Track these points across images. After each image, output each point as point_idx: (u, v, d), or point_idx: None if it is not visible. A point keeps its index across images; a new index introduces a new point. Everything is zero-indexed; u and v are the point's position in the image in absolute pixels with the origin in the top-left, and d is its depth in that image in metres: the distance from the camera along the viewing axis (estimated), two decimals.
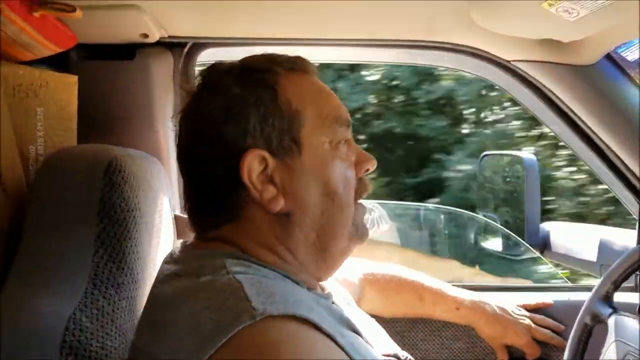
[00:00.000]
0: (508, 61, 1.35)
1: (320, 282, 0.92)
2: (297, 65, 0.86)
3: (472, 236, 2.19)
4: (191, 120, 0.84)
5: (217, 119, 0.80)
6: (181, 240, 0.91)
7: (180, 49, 1.30)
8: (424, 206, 3.11)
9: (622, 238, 1.63)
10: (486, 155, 2.07)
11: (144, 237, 0.90)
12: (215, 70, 0.86)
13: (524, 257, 1.84)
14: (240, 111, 0.80)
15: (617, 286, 1.23)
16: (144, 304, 0.86)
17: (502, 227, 1.87)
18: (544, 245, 1.78)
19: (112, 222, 0.82)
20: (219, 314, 0.64)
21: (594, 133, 1.37)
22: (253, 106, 0.80)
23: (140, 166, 0.95)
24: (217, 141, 0.79)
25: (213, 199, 0.82)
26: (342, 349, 0.68)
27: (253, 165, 0.78)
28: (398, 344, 1.04)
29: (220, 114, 0.80)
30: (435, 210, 2.80)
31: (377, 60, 1.65)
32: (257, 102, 0.80)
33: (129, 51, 1.24)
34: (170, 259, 0.84)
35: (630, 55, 1.26)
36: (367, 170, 0.91)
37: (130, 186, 0.87)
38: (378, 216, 2.04)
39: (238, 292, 0.66)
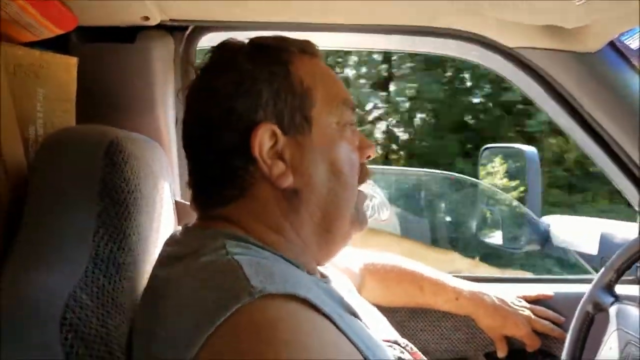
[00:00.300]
0: (511, 48, 1.35)
1: (319, 267, 0.92)
2: (307, 47, 0.88)
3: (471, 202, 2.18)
4: (200, 95, 0.85)
5: (229, 93, 0.80)
6: (171, 224, 0.91)
7: (182, 32, 1.29)
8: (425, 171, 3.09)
9: (623, 231, 1.63)
10: (487, 148, 2.07)
11: (144, 219, 0.89)
12: (226, 47, 0.87)
13: (525, 250, 1.84)
14: (252, 86, 0.80)
15: (619, 275, 1.23)
16: (142, 285, 0.86)
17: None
18: (545, 238, 1.78)
19: (113, 202, 0.81)
20: (218, 293, 0.64)
21: (596, 121, 1.37)
22: (266, 81, 0.81)
23: (141, 149, 0.94)
24: (228, 115, 0.80)
25: (220, 174, 0.82)
26: (341, 330, 0.68)
27: (264, 139, 0.79)
28: (398, 333, 1.04)
29: (232, 88, 0.80)
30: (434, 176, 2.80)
31: (380, 47, 1.65)
32: (270, 78, 0.81)
33: (129, 34, 1.24)
34: (171, 241, 0.85)
35: (634, 43, 1.25)
36: (369, 156, 0.93)
37: (130, 167, 0.87)
38: (379, 203, 2.04)
39: (237, 272, 0.66)
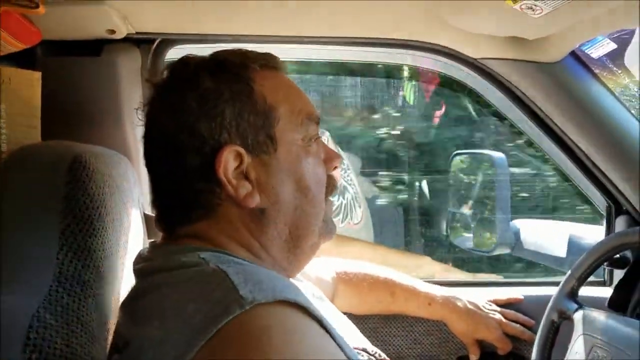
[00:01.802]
0: (475, 59, 1.36)
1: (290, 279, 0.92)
2: (269, 61, 0.86)
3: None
4: (161, 114, 0.83)
5: (191, 114, 0.78)
6: (150, 241, 0.90)
7: (149, 45, 1.28)
8: None
9: (590, 234, 1.67)
10: (457, 154, 2.09)
11: (110, 235, 0.89)
12: (187, 63, 0.84)
13: (495, 253, 1.86)
14: (215, 106, 0.79)
15: (581, 282, 1.26)
16: (111, 302, 0.85)
17: None
18: (514, 242, 1.81)
19: (76, 219, 0.80)
20: (208, 305, 0.63)
21: (561, 130, 1.40)
22: (229, 101, 0.79)
23: (106, 163, 0.94)
24: (190, 136, 0.78)
25: (185, 195, 0.80)
26: (328, 332, 0.69)
27: (229, 161, 0.78)
28: (371, 340, 1.05)
29: (194, 108, 0.79)
30: None
31: (346, 59, 1.65)
32: (232, 97, 0.79)
33: (95, 47, 1.22)
34: (140, 259, 0.83)
35: (595, 52, 1.28)
36: (335, 167, 0.92)
37: (95, 183, 0.86)
38: (352, 198, 2.05)
39: (224, 282, 0.66)
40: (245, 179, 0.80)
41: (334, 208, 2.12)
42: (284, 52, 1.42)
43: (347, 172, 2.15)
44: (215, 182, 0.78)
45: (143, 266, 0.80)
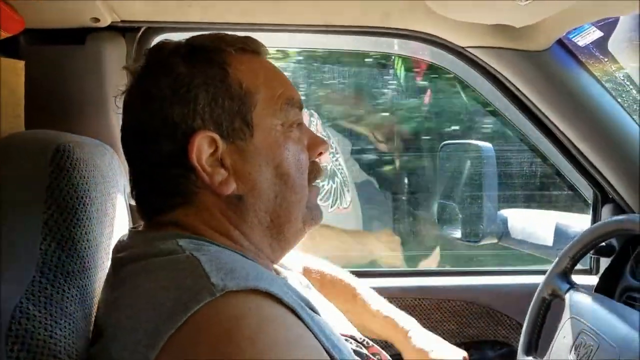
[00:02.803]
0: (463, 47, 1.36)
1: (274, 266, 0.92)
2: (248, 45, 0.84)
3: None
4: (136, 101, 0.82)
5: (164, 99, 0.77)
6: (128, 228, 0.89)
7: (133, 33, 1.27)
8: None
9: (577, 223, 1.68)
10: (445, 144, 2.10)
11: (95, 225, 0.88)
12: (161, 49, 0.83)
13: (482, 243, 1.87)
14: (188, 91, 0.77)
15: (575, 262, 1.27)
16: (95, 293, 0.84)
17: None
18: (502, 231, 1.82)
19: (60, 209, 0.79)
20: (178, 293, 0.63)
21: (547, 118, 1.41)
22: (202, 86, 0.78)
23: (90, 153, 0.93)
24: (164, 122, 0.77)
25: (162, 182, 0.79)
26: (305, 323, 0.68)
27: (202, 147, 0.77)
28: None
29: (167, 94, 0.77)
30: None
31: (333, 47, 1.65)
32: (206, 82, 0.78)
33: (79, 36, 1.21)
34: (120, 247, 0.82)
35: (581, 40, 1.29)
36: (321, 153, 0.90)
37: (79, 172, 0.85)
38: (341, 183, 2.04)
39: (196, 270, 0.65)
40: (221, 165, 0.78)
41: (323, 193, 2.12)
42: (272, 40, 1.41)
43: (335, 156, 2.15)
44: (191, 169, 0.77)
45: (123, 255, 0.79)
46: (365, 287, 1.28)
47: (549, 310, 1.29)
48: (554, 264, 1.30)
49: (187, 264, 0.67)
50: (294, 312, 0.67)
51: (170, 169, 0.78)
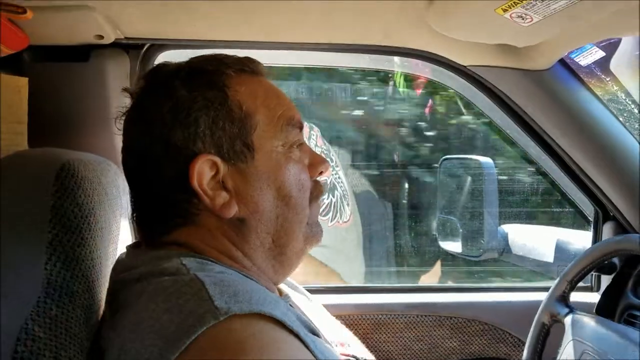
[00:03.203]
0: (465, 66, 1.37)
1: (277, 286, 0.91)
2: (247, 66, 0.84)
3: None
4: (137, 124, 0.82)
5: (165, 123, 0.77)
6: (126, 245, 0.89)
7: (137, 50, 1.27)
8: None
9: (578, 240, 1.68)
10: (445, 159, 2.10)
11: (99, 244, 0.88)
12: (161, 71, 0.83)
13: (483, 258, 1.87)
14: (188, 115, 0.77)
15: (573, 286, 1.27)
16: (99, 312, 0.84)
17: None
18: (503, 247, 1.82)
19: (64, 228, 0.79)
20: (182, 316, 0.63)
21: (549, 137, 1.41)
22: (202, 109, 0.78)
23: (94, 171, 0.93)
24: (165, 147, 0.77)
25: (163, 205, 0.80)
26: (307, 346, 0.68)
27: (203, 171, 0.77)
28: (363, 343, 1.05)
29: (168, 117, 0.77)
30: None
31: (336, 64, 1.66)
32: (206, 105, 0.78)
33: (83, 53, 1.22)
34: (121, 267, 0.82)
35: (583, 60, 1.29)
36: (321, 173, 0.90)
37: (84, 191, 0.85)
38: (341, 197, 2.02)
39: (200, 293, 0.65)
40: (223, 188, 0.78)
41: (323, 207, 2.11)
42: (274, 58, 1.42)
43: (335, 169, 2.14)
44: (192, 193, 0.77)
45: (125, 276, 0.79)
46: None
47: (548, 335, 1.29)
48: (552, 288, 1.30)
49: (190, 286, 0.67)
50: (297, 336, 0.67)
51: (171, 192, 0.78)
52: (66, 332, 0.73)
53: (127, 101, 1.24)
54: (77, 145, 1.06)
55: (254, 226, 0.80)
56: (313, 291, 1.20)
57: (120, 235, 1.01)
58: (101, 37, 1.17)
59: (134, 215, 0.84)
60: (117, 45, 1.24)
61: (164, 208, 0.79)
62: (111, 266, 0.92)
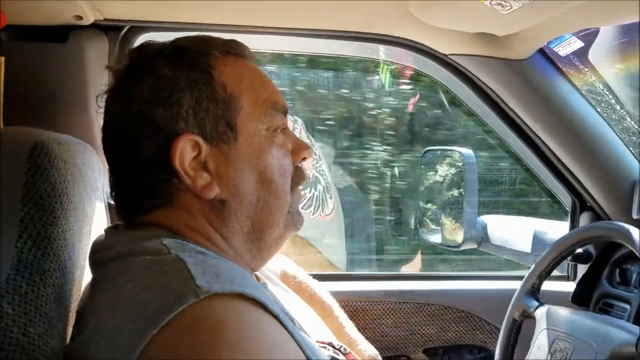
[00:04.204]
0: (446, 55, 1.38)
1: (255, 272, 0.91)
2: (233, 48, 0.84)
3: None
4: (119, 102, 0.81)
5: (147, 102, 0.76)
6: (106, 227, 0.88)
7: (117, 32, 1.26)
8: None
9: (554, 230, 1.70)
10: (428, 150, 2.11)
11: (72, 224, 0.87)
12: (146, 50, 0.82)
13: (462, 248, 1.88)
14: (171, 94, 0.76)
15: (542, 279, 1.29)
16: (72, 292, 0.84)
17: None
18: (482, 237, 1.83)
19: (36, 207, 0.78)
20: (162, 294, 0.62)
21: (528, 126, 1.42)
22: (186, 89, 0.77)
23: (69, 151, 0.92)
24: (147, 125, 0.76)
25: (143, 184, 0.79)
26: (287, 329, 0.68)
27: (185, 151, 0.76)
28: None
29: (151, 96, 0.77)
30: None
31: (318, 51, 1.65)
32: (190, 85, 0.77)
33: (62, 33, 1.20)
34: (99, 247, 0.82)
35: (562, 50, 1.30)
36: (304, 158, 0.90)
37: (57, 170, 0.84)
38: (323, 189, 2.04)
39: (182, 272, 0.64)
40: (204, 169, 0.78)
41: (305, 200, 2.12)
42: (257, 43, 1.41)
43: (318, 162, 2.15)
44: (173, 172, 0.76)
45: (101, 255, 0.78)
46: (340, 310, 1.23)
47: (519, 330, 1.30)
48: (521, 284, 1.31)
49: (172, 265, 0.67)
50: (277, 318, 0.67)
51: (152, 171, 0.77)
52: (36, 309, 0.73)
53: (105, 84, 1.25)
54: (54, 126, 1.05)
55: (233, 209, 0.80)
56: None
57: (95, 216, 1.00)
58: (80, 17, 1.16)
59: (113, 194, 0.83)
60: (96, 27, 1.23)
61: (143, 188, 0.79)
62: (85, 247, 0.92)
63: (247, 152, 0.80)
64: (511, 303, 1.31)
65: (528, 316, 1.28)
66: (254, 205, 0.81)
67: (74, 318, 0.81)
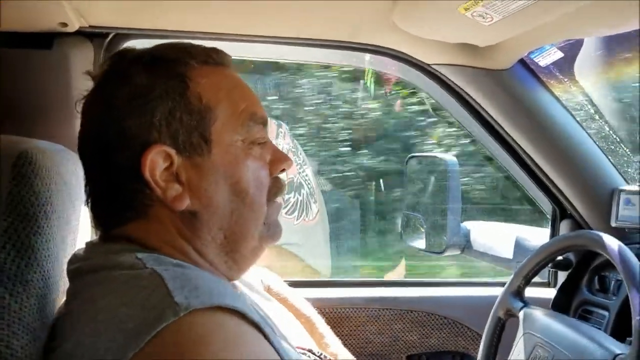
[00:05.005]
0: (428, 64, 1.39)
1: (232, 283, 0.91)
2: (211, 57, 0.82)
3: None
4: (94, 108, 0.80)
5: (120, 109, 0.76)
6: (87, 241, 0.88)
7: (102, 39, 1.25)
8: None
9: (536, 236, 1.72)
10: (412, 157, 2.13)
11: (56, 234, 0.87)
12: (123, 57, 0.81)
13: (446, 254, 1.90)
14: (145, 102, 0.75)
15: (527, 281, 1.31)
16: (55, 302, 0.83)
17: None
18: (464, 243, 1.85)
19: (20, 216, 0.78)
20: (142, 312, 0.62)
21: (509, 135, 1.44)
22: (160, 98, 0.76)
23: (53, 159, 0.91)
24: (119, 133, 0.75)
25: (116, 194, 0.78)
26: (267, 337, 0.68)
27: (157, 161, 0.75)
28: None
29: (124, 104, 0.76)
30: None
31: (303, 59, 1.66)
32: (164, 94, 0.76)
33: (46, 40, 1.19)
34: (75, 259, 0.81)
35: (542, 60, 1.32)
36: (283, 169, 0.88)
37: (41, 180, 0.84)
38: (308, 195, 2.04)
39: (160, 287, 0.64)
40: (176, 180, 0.77)
41: (289, 205, 2.12)
42: (242, 51, 1.42)
43: (302, 167, 2.15)
44: (145, 183, 0.75)
45: (77, 266, 0.78)
46: (324, 325, 1.21)
47: (503, 330, 1.32)
48: (507, 283, 1.33)
49: (150, 280, 0.66)
50: (258, 327, 0.67)
51: (124, 181, 0.77)
52: (19, 321, 0.72)
53: (89, 90, 1.25)
54: (38, 134, 1.04)
55: (205, 220, 0.79)
56: None
57: (79, 226, 1.00)
58: (65, 24, 1.15)
59: (89, 201, 0.82)
60: (81, 34, 1.22)
61: (116, 197, 0.78)
62: (69, 256, 0.91)
63: (221, 164, 0.79)
64: (497, 302, 1.33)
65: (512, 315, 1.29)
66: (228, 217, 0.80)
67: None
